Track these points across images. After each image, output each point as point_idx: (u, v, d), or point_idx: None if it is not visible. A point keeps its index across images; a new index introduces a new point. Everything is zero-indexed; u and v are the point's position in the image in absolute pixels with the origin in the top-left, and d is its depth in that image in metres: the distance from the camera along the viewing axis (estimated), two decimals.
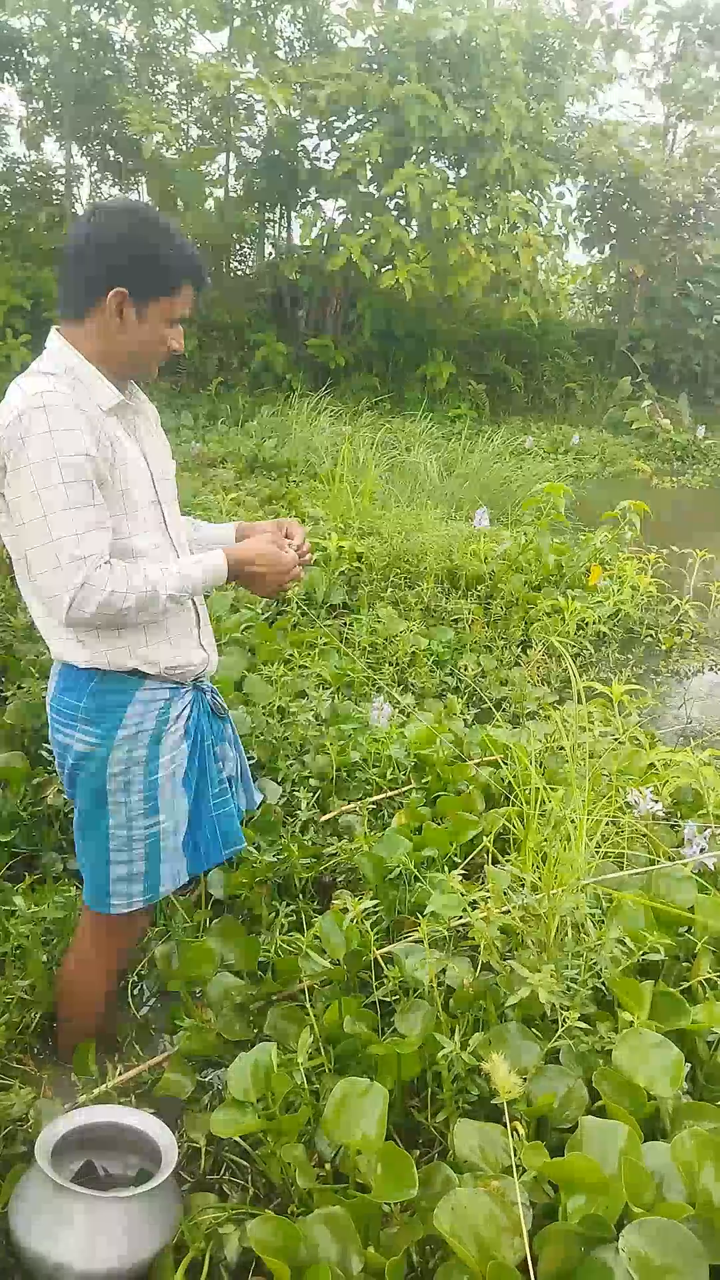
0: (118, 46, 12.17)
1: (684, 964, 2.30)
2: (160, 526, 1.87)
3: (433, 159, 12.81)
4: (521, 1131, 1.64)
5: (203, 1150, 1.95)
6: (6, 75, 11.88)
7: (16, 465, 1.64)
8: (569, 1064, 1.89)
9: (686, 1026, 1.97)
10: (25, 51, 11.86)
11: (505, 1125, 1.66)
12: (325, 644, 4.32)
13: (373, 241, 11.52)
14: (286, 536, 2.04)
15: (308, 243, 13.50)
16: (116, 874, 1.92)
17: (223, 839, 2.07)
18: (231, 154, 13.04)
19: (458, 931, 2.29)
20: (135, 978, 2.46)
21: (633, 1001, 1.98)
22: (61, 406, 1.64)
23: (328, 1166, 1.79)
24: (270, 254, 14.60)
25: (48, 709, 1.93)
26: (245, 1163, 1.91)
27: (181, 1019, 2.14)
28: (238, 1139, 1.83)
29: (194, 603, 1.95)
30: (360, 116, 12.24)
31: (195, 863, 2.04)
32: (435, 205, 11.27)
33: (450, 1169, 1.66)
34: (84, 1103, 1.94)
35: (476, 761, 3.27)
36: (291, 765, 3.19)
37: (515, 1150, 1.61)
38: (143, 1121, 1.81)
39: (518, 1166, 1.59)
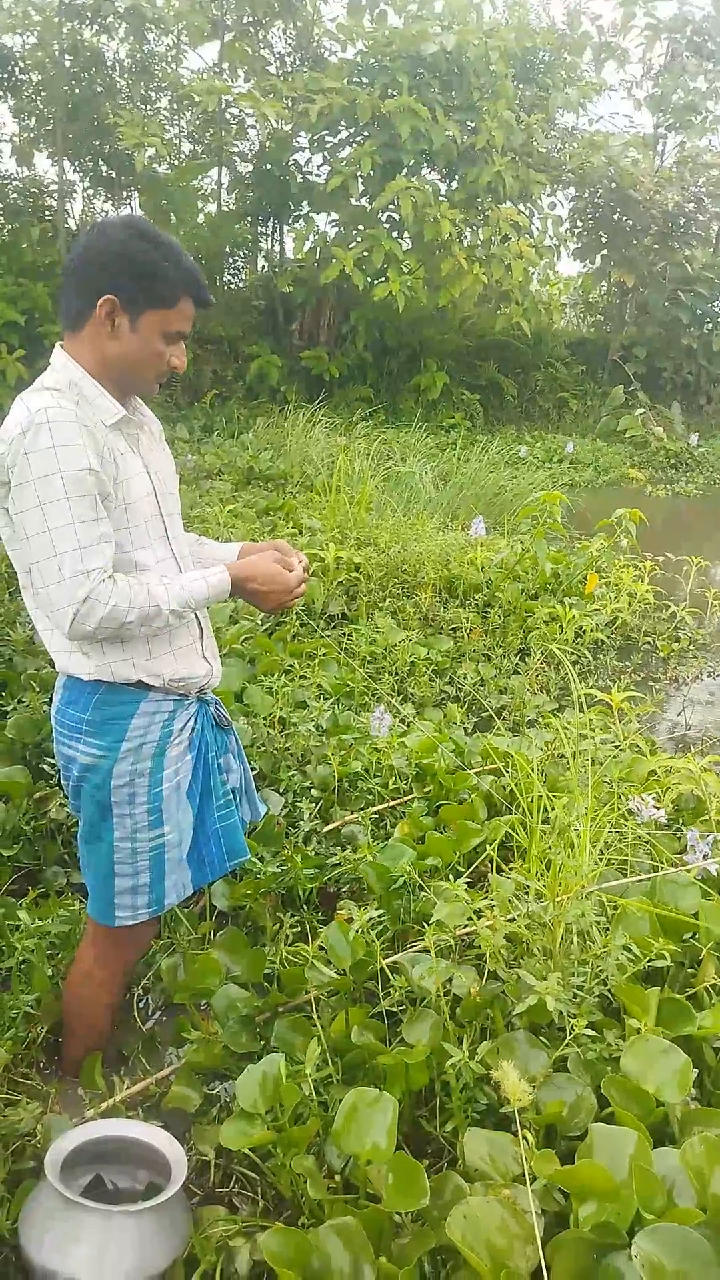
0: (110, 63, 12.23)
1: (689, 970, 2.30)
2: (163, 540, 1.89)
3: (424, 171, 12.88)
4: (531, 1139, 1.65)
5: (212, 1163, 1.94)
6: None
7: (20, 480, 1.65)
8: (577, 1071, 1.89)
9: (693, 1032, 1.98)
10: (17, 68, 11.91)
11: (514, 1133, 1.66)
12: (325, 654, 4.33)
13: (365, 254, 11.58)
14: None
15: (301, 255, 13.55)
16: (121, 886, 1.92)
17: (227, 851, 2.08)
18: (224, 168, 13.11)
19: (463, 940, 2.29)
20: (141, 990, 2.45)
21: (639, 1008, 1.99)
22: (64, 422, 1.65)
23: (337, 1177, 1.78)
24: (263, 267, 14.66)
25: (52, 721, 1.94)
26: (255, 1175, 1.91)
27: (188, 1031, 2.14)
28: (247, 1151, 1.83)
29: (197, 615, 1.96)
30: (352, 130, 12.32)
31: (200, 874, 2.05)
32: (427, 218, 11.33)
33: (461, 1178, 1.66)
34: (92, 1117, 1.94)
35: (478, 770, 3.28)
36: (293, 776, 3.19)
37: (525, 1158, 1.61)
38: (151, 1135, 1.81)
39: (528, 1175, 1.59)
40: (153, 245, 1.72)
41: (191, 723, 1.96)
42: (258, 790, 3.08)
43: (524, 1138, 1.63)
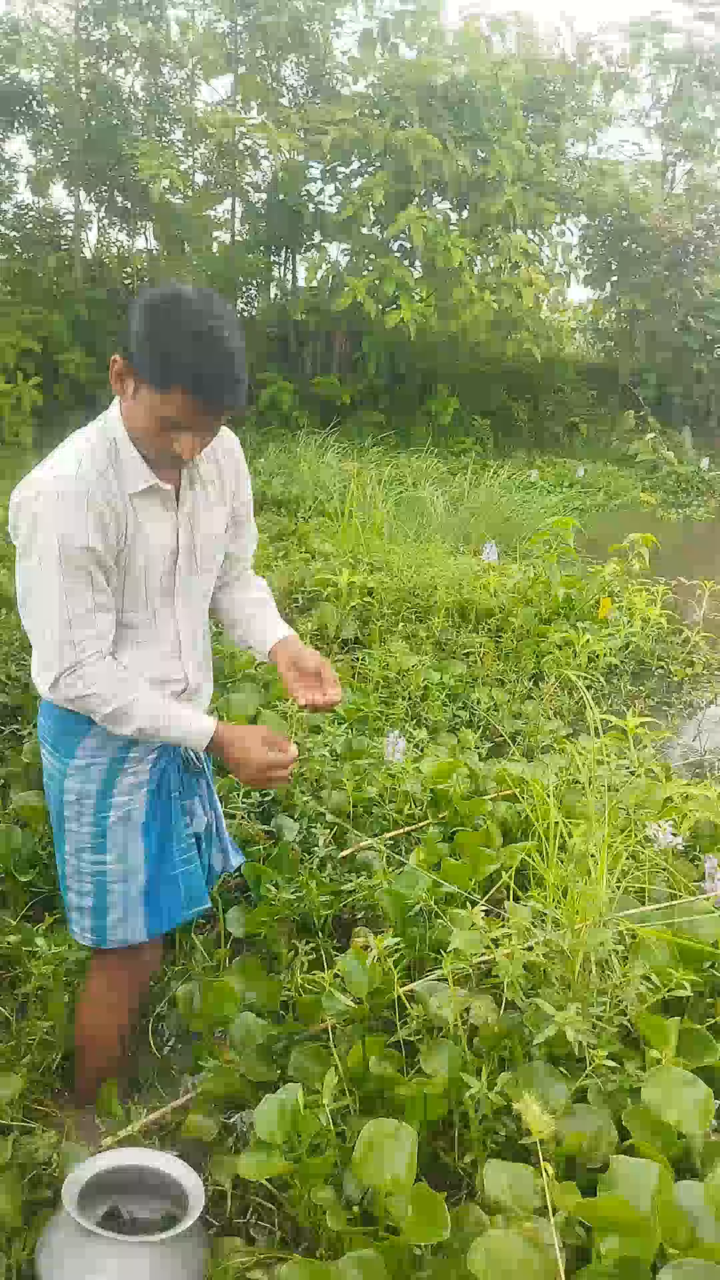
0: (125, 96, 12.45)
1: (709, 1000, 2.28)
2: (168, 605, 1.87)
3: (435, 201, 13.05)
4: (551, 1171, 1.63)
5: (229, 1193, 1.93)
6: (16, 124, 12.15)
7: (25, 541, 1.71)
8: (597, 1103, 1.87)
9: (715, 1063, 1.96)
10: (35, 101, 12.14)
11: (534, 1165, 1.64)
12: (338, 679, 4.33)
13: (377, 282, 11.70)
14: (318, 676, 1.99)
15: (313, 284, 13.71)
16: (71, 901, 1.97)
17: (185, 898, 2.01)
18: (237, 199, 13.29)
19: (481, 969, 2.27)
20: (156, 1018, 2.44)
21: (659, 1039, 1.97)
22: (73, 496, 1.65)
23: (356, 1209, 1.77)
24: (276, 295, 14.83)
25: None
26: (272, 1206, 1.89)
27: (204, 1059, 2.13)
28: (264, 1182, 1.81)
29: (180, 642, 1.92)
30: (364, 161, 12.50)
31: (156, 921, 1.98)
32: (438, 246, 11.45)
33: (481, 1210, 1.65)
34: (109, 1146, 1.93)
35: (493, 796, 3.27)
36: (308, 801, 3.19)
37: (547, 1190, 1.60)
38: (168, 1164, 1.80)
39: (550, 1207, 1.58)
40: (170, 320, 1.58)
41: (152, 758, 1.92)
42: (273, 816, 3.10)
43: (545, 1170, 1.61)
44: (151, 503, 1.78)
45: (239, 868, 2.36)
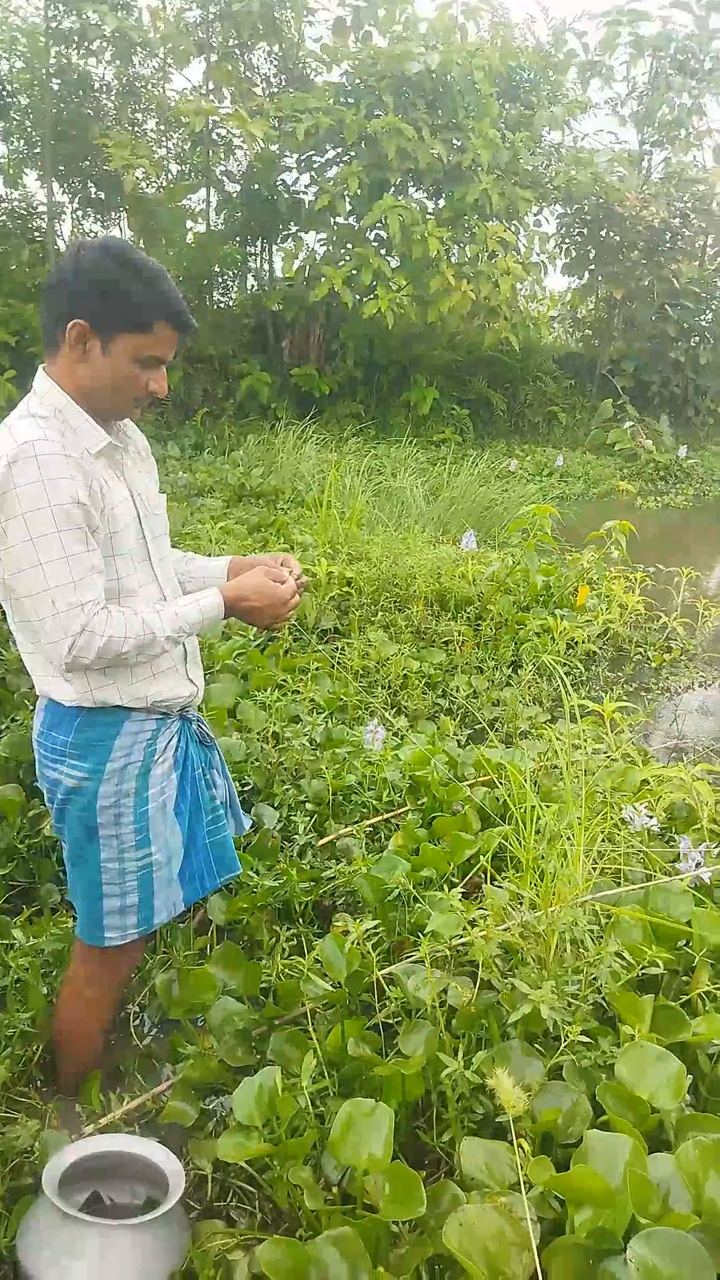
0: (97, 85, 12.34)
1: (683, 977, 2.31)
2: (146, 564, 1.88)
3: (411, 190, 13.00)
4: (527, 1148, 1.65)
5: (209, 1177, 1.94)
6: None
7: (9, 515, 1.64)
8: (572, 1079, 1.90)
9: (687, 1039, 1.99)
10: (5, 91, 12.01)
11: (510, 1142, 1.67)
12: (317, 669, 4.34)
13: (354, 272, 11.67)
14: (282, 565, 2.05)
15: (290, 274, 13.64)
16: (109, 907, 1.93)
17: (218, 866, 2.08)
18: (212, 188, 13.21)
19: (458, 951, 2.30)
20: (137, 1007, 2.46)
21: (633, 1016, 2.00)
22: (50, 455, 1.65)
23: (335, 1189, 1.79)
24: (253, 286, 14.74)
25: (35, 745, 1.94)
26: (252, 1189, 1.91)
27: (184, 1047, 2.14)
28: (244, 1164, 1.83)
29: None
30: (338, 150, 12.43)
31: (192, 891, 2.05)
32: (415, 235, 11.43)
33: (457, 1187, 1.67)
34: (89, 1133, 1.94)
35: (471, 782, 3.29)
36: (287, 790, 3.20)
37: (521, 1166, 1.62)
38: (149, 1150, 1.81)
39: (524, 1182, 1.60)
40: (127, 267, 1.68)
41: (175, 740, 1.96)
42: (252, 805, 3.11)
43: (520, 1146, 1.64)
44: (107, 464, 1.79)
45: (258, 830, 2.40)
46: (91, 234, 13.89)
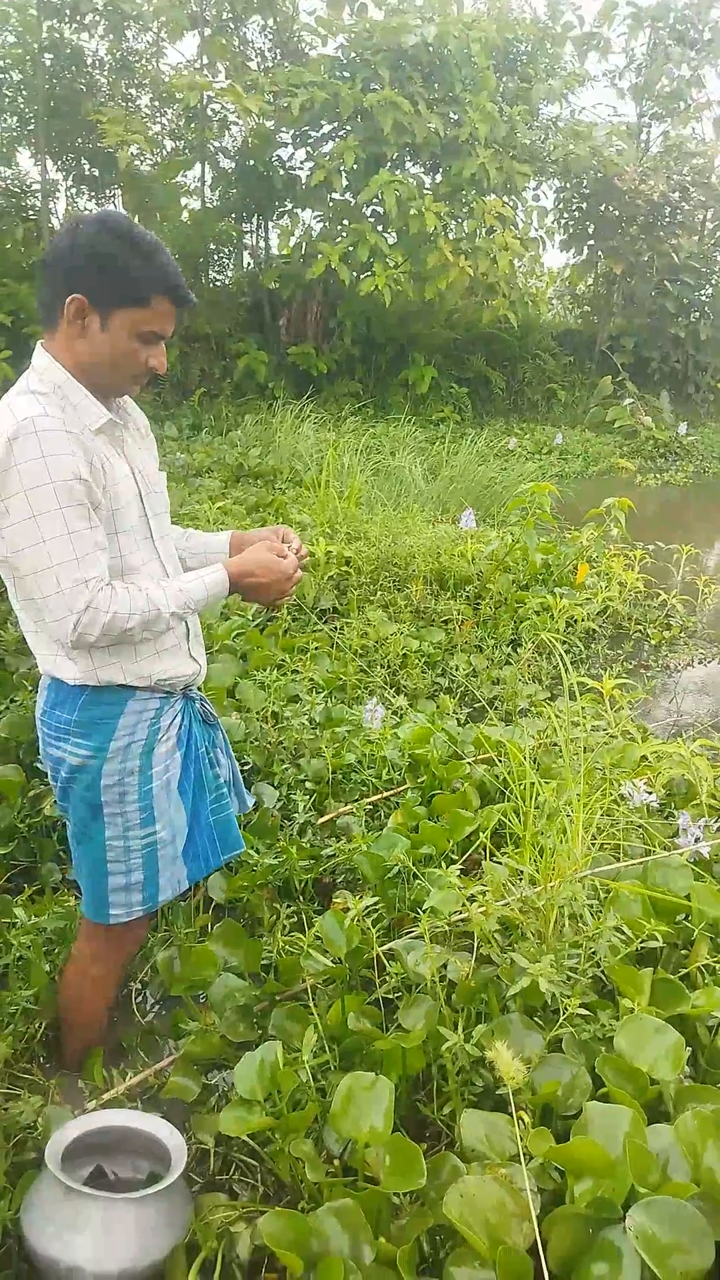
0: (90, 60, 12.20)
1: (682, 951, 2.32)
2: (148, 541, 1.87)
3: (408, 165, 12.89)
4: (527, 1120, 1.67)
5: (211, 1151, 1.96)
6: None
7: (11, 492, 1.63)
8: (571, 1052, 1.91)
9: (686, 1011, 2.00)
10: None
11: (510, 1114, 1.68)
12: (317, 648, 4.34)
13: (351, 249, 11.57)
14: (283, 541, 2.05)
15: (286, 251, 13.54)
16: (114, 884, 1.93)
17: (221, 844, 2.09)
18: (207, 165, 13.08)
19: (458, 926, 2.31)
20: (139, 984, 2.47)
21: (632, 989, 2.01)
22: (51, 431, 1.63)
23: (336, 1162, 1.80)
24: (249, 263, 14.63)
25: (38, 724, 1.93)
26: (254, 1162, 1.93)
27: (185, 1023, 2.16)
28: (246, 1138, 1.84)
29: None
30: (334, 125, 12.31)
31: (196, 869, 2.05)
32: (412, 211, 11.33)
33: (458, 1159, 1.68)
34: (92, 1108, 1.95)
35: (471, 760, 3.30)
36: (287, 769, 3.21)
37: (521, 1138, 1.63)
38: (151, 1124, 1.82)
39: (524, 1153, 1.61)
40: (125, 242, 1.67)
41: (178, 719, 1.97)
42: (252, 784, 3.12)
43: (520, 1118, 1.65)
44: (108, 441, 1.78)
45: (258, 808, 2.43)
46: (87, 211, 13.77)
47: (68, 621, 1.66)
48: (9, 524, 1.65)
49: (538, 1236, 1.46)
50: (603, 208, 14.35)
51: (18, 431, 1.62)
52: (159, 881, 1.96)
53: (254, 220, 14.10)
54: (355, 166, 11.57)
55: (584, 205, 14.60)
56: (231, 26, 12.33)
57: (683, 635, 5.69)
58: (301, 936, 2.23)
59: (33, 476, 1.61)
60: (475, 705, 4.24)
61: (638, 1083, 1.78)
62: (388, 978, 2.15)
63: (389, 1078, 1.76)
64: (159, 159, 12.71)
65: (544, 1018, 2.02)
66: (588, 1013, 1.96)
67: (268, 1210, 1.62)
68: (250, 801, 2.31)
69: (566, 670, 3.11)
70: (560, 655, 3.21)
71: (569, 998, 1.91)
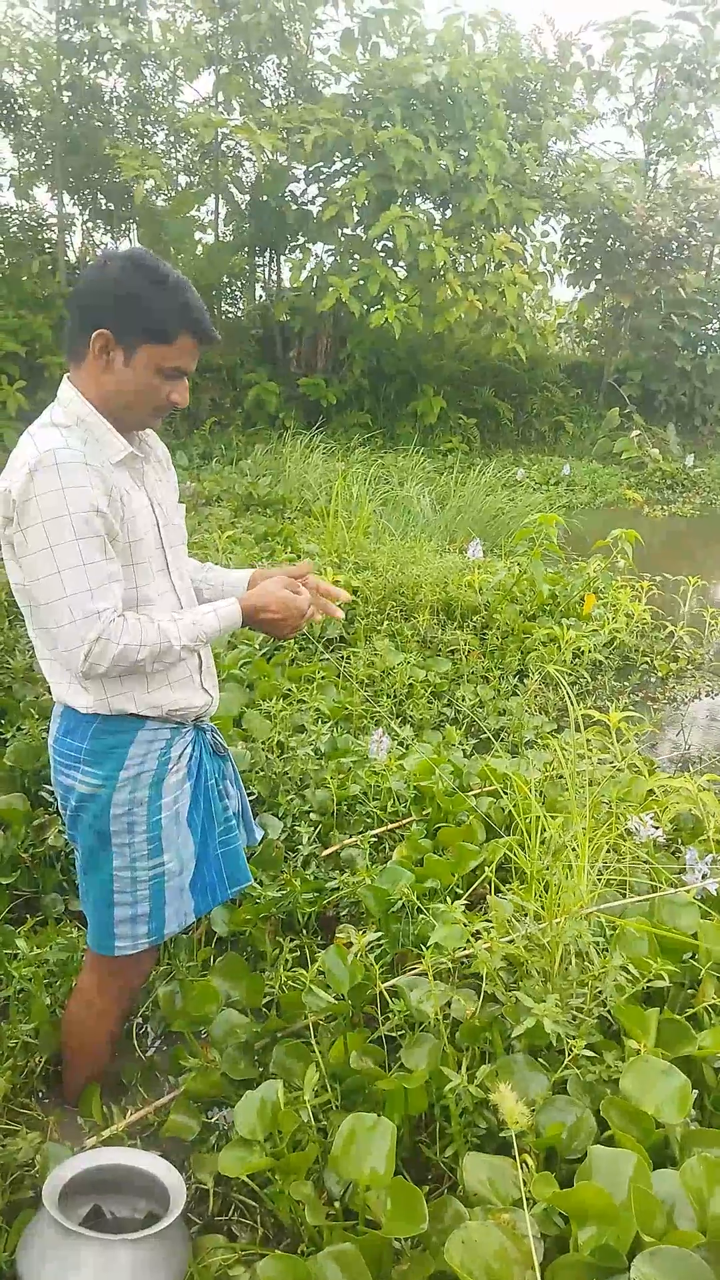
0: (107, 98, 12.43)
1: (689, 990, 2.29)
2: (164, 573, 1.89)
3: (418, 200, 13.04)
4: (530, 1163, 1.64)
5: (210, 1191, 1.93)
6: None
7: (29, 522, 1.66)
8: (576, 1094, 1.88)
9: (693, 1053, 1.97)
10: (17, 104, 12.10)
11: (514, 1157, 1.65)
12: (323, 678, 4.34)
13: (361, 282, 11.70)
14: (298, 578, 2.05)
15: (297, 284, 13.69)
16: (120, 915, 1.92)
17: (229, 877, 2.08)
18: (220, 199, 13.28)
19: (462, 963, 2.28)
20: (140, 1019, 2.45)
21: (638, 1029, 1.98)
22: (71, 463, 1.66)
23: (337, 1205, 1.77)
24: (261, 296, 14.81)
25: (50, 750, 1.94)
26: (254, 1203, 1.90)
27: (186, 1059, 2.13)
28: (245, 1179, 1.82)
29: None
30: (346, 161, 12.49)
31: (203, 902, 2.05)
32: (422, 246, 11.46)
33: (460, 1203, 1.65)
34: (91, 1146, 1.93)
35: (476, 792, 3.28)
36: (292, 800, 3.20)
37: (525, 1182, 1.60)
38: (150, 1163, 1.80)
39: (528, 1198, 1.59)
40: (150, 279, 1.70)
41: (189, 750, 1.97)
42: (256, 815, 3.11)
43: (523, 1162, 1.62)
44: (128, 473, 1.81)
45: (262, 839, 2.44)
46: (102, 245, 13.98)
47: (79, 652, 1.67)
48: (27, 553, 1.68)
49: None
50: (610, 243, 14.49)
51: (39, 463, 1.65)
52: (165, 914, 1.95)
53: (266, 254, 14.29)
54: (367, 202, 11.73)
55: (592, 240, 14.74)
56: (247, 65, 12.55)
57: (690, 667, 5.68)
58: (304, 971, 2.22)
59: (51, 508, 1.64)
60: (481, 736, 4.23)
61: (643, 1126, 1.75)
62: (390, 1015, 2.13)
63: (391, 1118, 1.74)
64: (174, 193, 12.90)
65: (549, 1058, 1.99)
66: (593, 1054, 1.94)
67: (267, 1254, 1.60)
68: (259, 835, 2.30)
69: (572, 703, 3.10)
70: (566, 688, 3.21)
71: (574, 1038, 1.89)
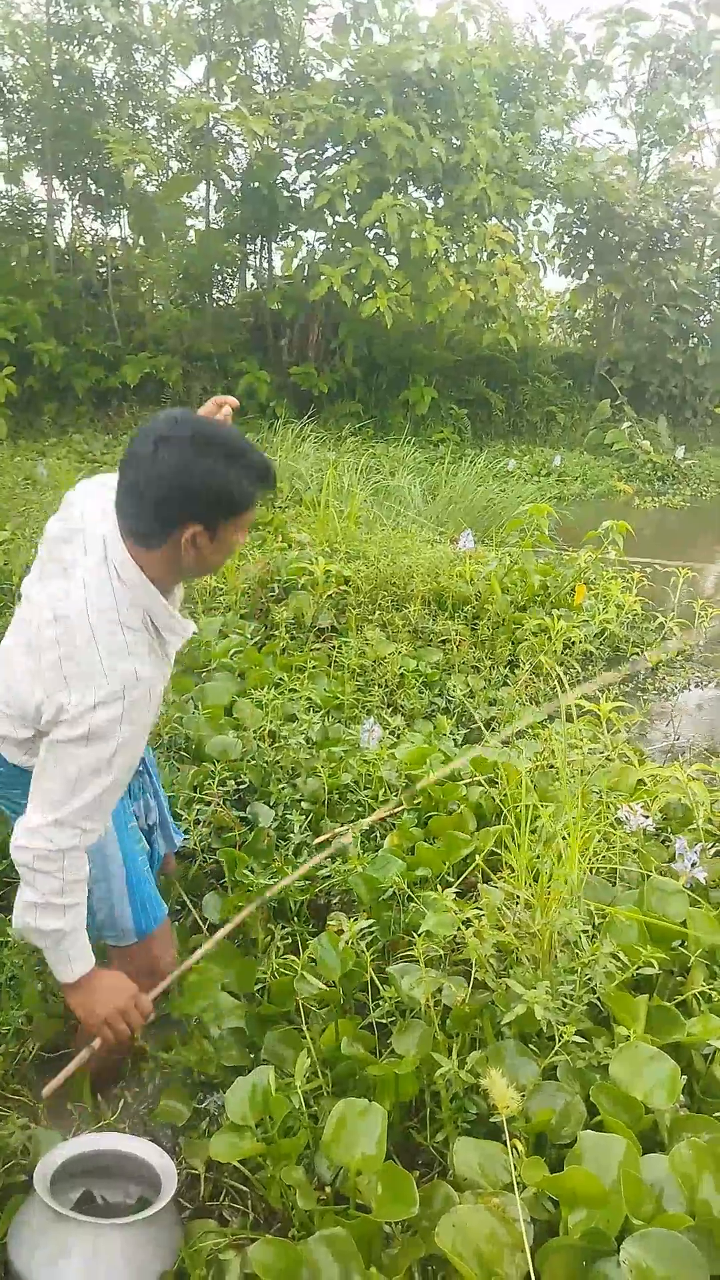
0: (98, 82, 12.32)
1: (678, 978, 2.31)
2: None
3: (410, 189, 12.98)
4: (521, 1148, 1.65)
5: (202, 1176, 1.94)
6: None
7: (83, 727, 1.63)
8: (566, 1080, 1.89)
9: (682, 1039, 1.98)
10: (5, 88, 11.98)
11: (504, 1142, 1.66)
12: (314, 667, 4.33)
13: (353, 271, 11.65)
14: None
15: (289, 273, 13.62)
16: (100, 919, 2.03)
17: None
18: (211, 186, 13.18)
19: (453, 950, 2.29)
20: None
21: (628, 1016, 1.99)
22: (140, 703, 1.66)
23: (328, 1189, 1.78)
24: (252, 284, 14.72)
25: None
26: (245, 1188, 1.91)
27: (178, 1045, 2.14)
28: (237, 1164, 1.82)
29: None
30: (338, 148, 12.42)
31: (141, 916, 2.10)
32: (413, 234, 11.42)
33: (450, 1187, 1.67)
34: (82, 1131, 1.93)
35: (467, 781, 3.29)
36: (283, 789, 3.20)
37: (515, 1166, 1.62)
38: (141, 1148, 1.81)
39: (518, 1183, 1.60)
40: (225, 461, 1.65)
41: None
42: (249, 804, 3.11)
43: (513, 1146, 1.63)
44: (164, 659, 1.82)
45: (181, 845, 2.51)
46: (92, 231, 13.86)
47: (35, 841, 1.66)
48: (65, 739, 1.64)
49: (531, 1268, 1.44)
50: (603, 233, 14.46)
51: (110, 695, 1.62)
52: (94, 918, 1.98)
53: (258, 241, 14.20)
54: (358, 190, 11.67)
55: (584, 230, 14.70)
56: (239, 51, 12.45)
57: (679, 658, 5.69)
58: (295, 958, 2.22)
59: (105, 731, 1.64)
60: (472, 726, 4.23)
61: (633, 1111, 1.77)
62: (381, 1002, 2.14)
63: (382, 1104, 1.75)
64: (164, 179, 12.81)
65: (539, 1044, 2.00)
66: (583, 1040, 1.95)
67: (258, 1238, 1.61)
68: (179, 839, 2.41)
69: (563, 692, 3.11)
70: (559, 677, 3.21)
71: (564, 1025, 1.90)
